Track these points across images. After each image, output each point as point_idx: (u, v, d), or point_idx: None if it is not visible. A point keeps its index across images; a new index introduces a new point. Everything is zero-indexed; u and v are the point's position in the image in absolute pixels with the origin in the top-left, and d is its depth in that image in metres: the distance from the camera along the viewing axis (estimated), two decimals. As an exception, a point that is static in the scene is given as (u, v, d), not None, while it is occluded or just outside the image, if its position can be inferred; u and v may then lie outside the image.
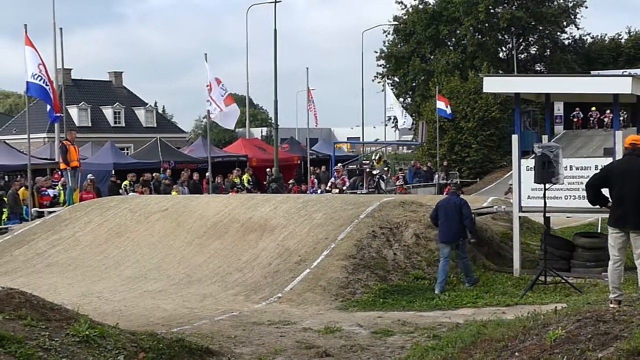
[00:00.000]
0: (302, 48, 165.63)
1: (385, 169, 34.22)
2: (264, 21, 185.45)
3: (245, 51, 79.16)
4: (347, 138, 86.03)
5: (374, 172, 32.65)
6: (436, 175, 40.04)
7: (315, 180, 36.11)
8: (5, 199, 24.48)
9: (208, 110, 26.21)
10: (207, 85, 24.97)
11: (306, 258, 14.87)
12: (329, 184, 32.98)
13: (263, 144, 50.68)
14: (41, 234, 19.01)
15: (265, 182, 35.15)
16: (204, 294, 14.10)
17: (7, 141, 42.11)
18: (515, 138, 16.07)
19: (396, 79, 59.68)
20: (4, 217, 23.56)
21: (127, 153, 48.49)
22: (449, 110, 41.35)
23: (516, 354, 6.66)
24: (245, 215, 17.54)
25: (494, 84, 17.49)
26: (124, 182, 28.53)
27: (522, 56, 60.99)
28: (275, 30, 41.84)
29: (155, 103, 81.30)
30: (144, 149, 42.29)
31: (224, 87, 25.46)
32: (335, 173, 33.61)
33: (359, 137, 63.01)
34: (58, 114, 22.90)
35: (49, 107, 21.96)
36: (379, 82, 59.71)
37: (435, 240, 15.27)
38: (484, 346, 7.24)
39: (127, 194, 26.43)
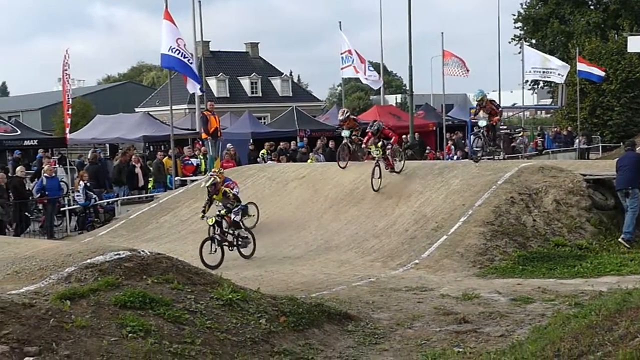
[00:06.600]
0: (436, 12, 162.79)
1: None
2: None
3: (379, 18, 79.04)
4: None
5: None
6: (577, 140, 38.77)
7: (452, 147, 35.63)
8: (151, 168, 25.50)
9: (343, 78, 26.31)
10: (342, 53, 25.01)
11: (443, 224, 14.79)
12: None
13: (398, 111, 50.36)
14: (184, 201, 19.66)
15: (401, 149, 34.96)
16: (341, 260, 14.26)
17: (150, 113, 43.72)
18: (662, 99, 15.39)
19: (534, 41, 57.94)
20: (150, 185, 24.55)
21: (264, 122, 49.34)
22: (599, 73, 39.08)
23: (664, 322, 6.42)
24: (381, 182, 17.56)
25: (639, 43, 16.80)
26: (262, 151, 29.10)
27: (670, 13, 57.92)
28: (409, -4, 41.37)
29: (291, 72, 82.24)
30: (280, 118, 42.91)
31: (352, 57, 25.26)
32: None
33: (496, 102, 61.54)
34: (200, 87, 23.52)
35: (188, 79, 22.59)
36: (516, 44, 58.20)
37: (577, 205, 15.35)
38: (630, 314, 7.00)
39: (265, 162, 26.95)
